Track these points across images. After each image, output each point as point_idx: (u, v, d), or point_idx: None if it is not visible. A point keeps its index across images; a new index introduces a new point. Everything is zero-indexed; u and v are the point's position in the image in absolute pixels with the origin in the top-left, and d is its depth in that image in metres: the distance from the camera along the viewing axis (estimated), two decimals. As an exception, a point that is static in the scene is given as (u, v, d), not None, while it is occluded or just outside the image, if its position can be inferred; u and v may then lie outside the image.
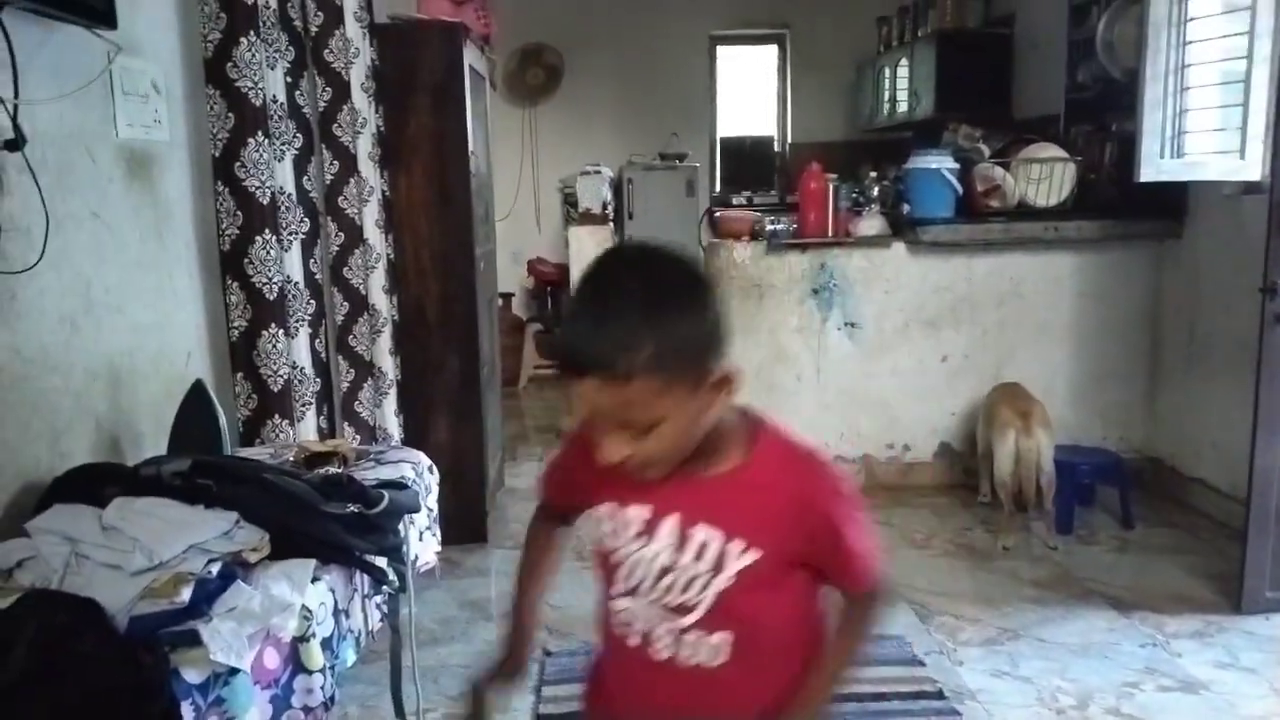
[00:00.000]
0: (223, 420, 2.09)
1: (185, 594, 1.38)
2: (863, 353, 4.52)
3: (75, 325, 2.00)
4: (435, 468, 2.44)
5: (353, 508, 1.61)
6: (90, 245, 2.08)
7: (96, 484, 1.63)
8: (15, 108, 1.75)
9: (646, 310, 0.99)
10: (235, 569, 1.47)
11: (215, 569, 1.44)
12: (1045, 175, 4.39)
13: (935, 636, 3.14)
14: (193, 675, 1.34)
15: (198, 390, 2.08)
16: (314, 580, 1.60)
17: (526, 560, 1.35)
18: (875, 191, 4.70)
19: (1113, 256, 4.43)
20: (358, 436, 3.39)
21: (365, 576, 1.73)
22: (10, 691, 1.12)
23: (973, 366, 4.54)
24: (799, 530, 1.11)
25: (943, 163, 4.39)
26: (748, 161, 7.75)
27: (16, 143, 1.74)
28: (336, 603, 1.67)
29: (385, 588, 1.77)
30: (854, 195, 4.63)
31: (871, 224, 4.49)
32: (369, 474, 2.24)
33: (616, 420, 1.02)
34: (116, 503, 1.52)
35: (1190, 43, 3.76)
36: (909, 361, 4.55)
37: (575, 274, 6.55)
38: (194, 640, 1.36)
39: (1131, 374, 4.54)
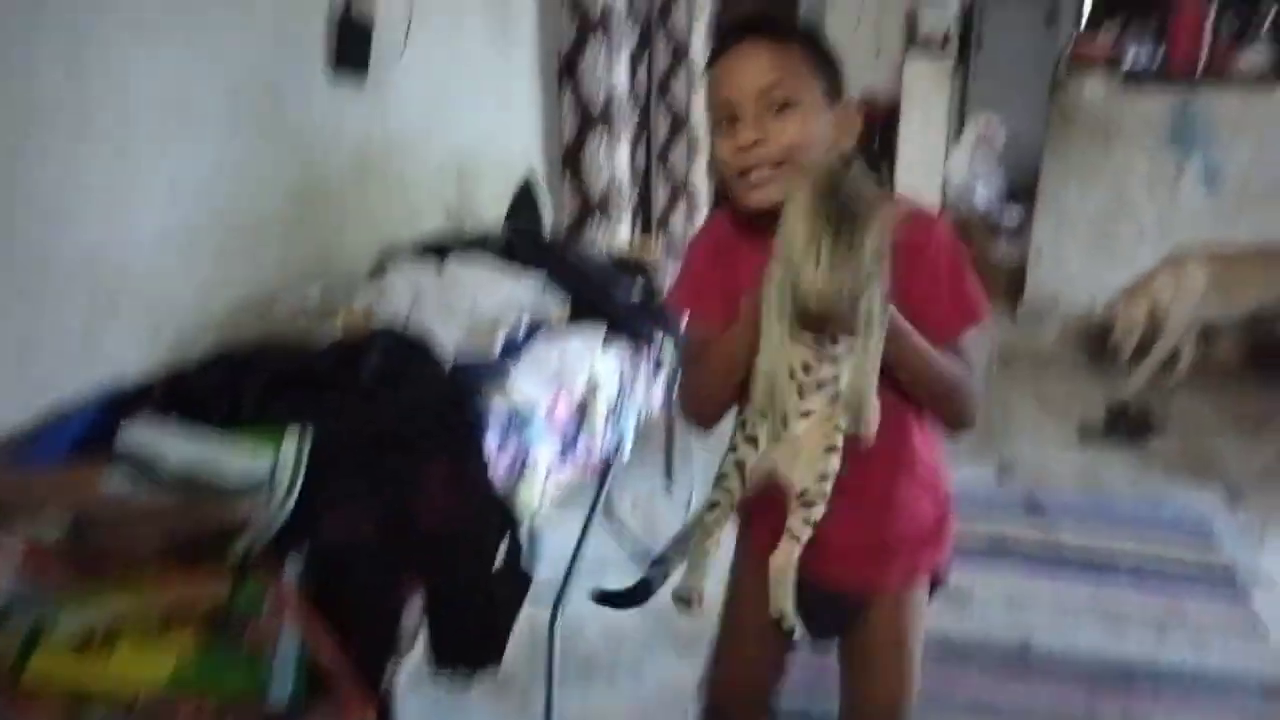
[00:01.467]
0: (548, 213, 2.36)
1: (499, 341, 1.65)
2: (1220, 211, 4.06)
3: (431, 122, 2.32)
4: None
5: (639, 295, 1.81)
6: (447, 45, 2.37)
7: (441, 249, 1.96)
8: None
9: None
10: (540, 325, 1.72)
11: (524, 322, 1.71)
12: None
13: (1242, 520, 2.90)
14: (499, 407, 1.62)
15: (527, 185, 2.36)
16: (604, 349, 1.84)
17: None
18: (1268, 22, 4.06)
19: None
20: (669, 248, 3.62)
21: (650, 357, 1.95)
22: (365, 390, 1.44)
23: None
24: (920, 274, 1.18)
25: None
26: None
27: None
28: (623, 373, 1.90)
29: (665, 368, 1.98)
30: (1240, 24, 4.03)
31: (1254, 59, 3.92)
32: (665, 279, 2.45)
33: (763, 91, 1.16)
34: (452, 260, 1.82)
35: None
36: (1277, 227, 4.02)
37: (907, 113, 6.27)
38: (503, 379, 1.63)
39: None
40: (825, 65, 1.22)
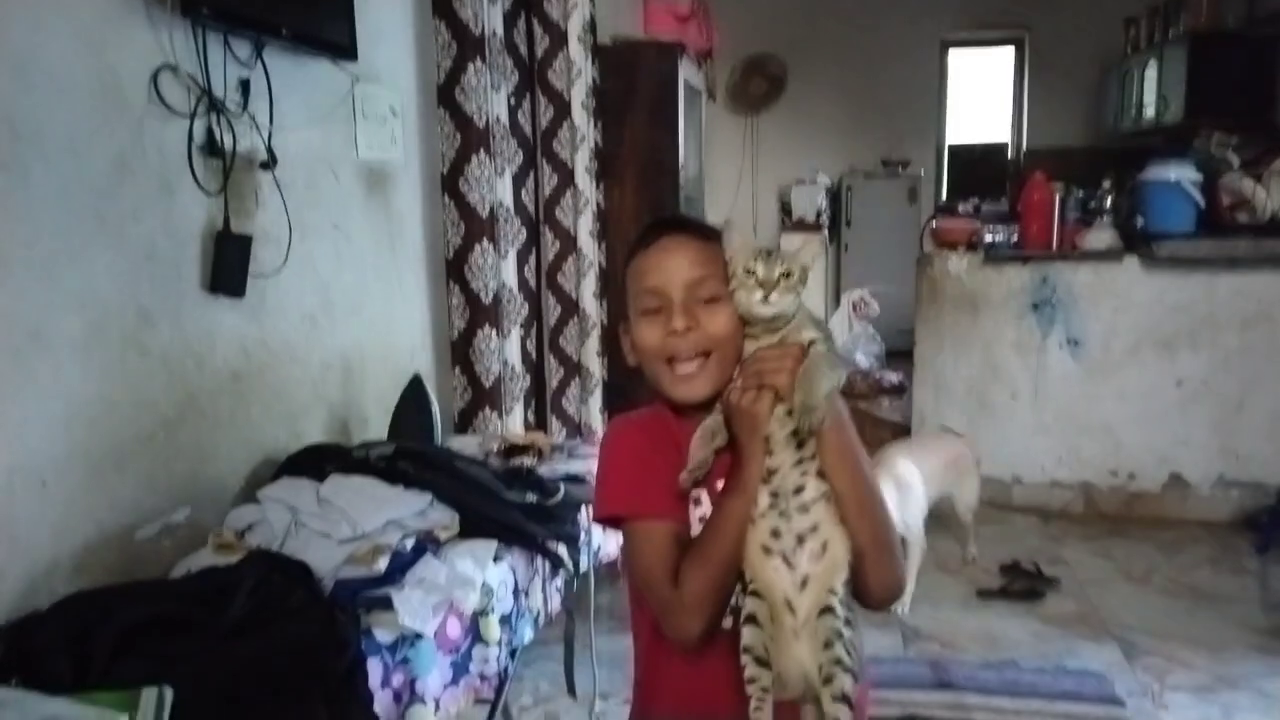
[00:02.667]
0: (436, 411, 2.31)
1: (382, 563, 1.57)
2: (1086, 373, 4.28)
3: (314, 322, 2.28)
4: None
5: (531, 496, 1.76)
6: (330, 253, 2.37)
7: (320, 462, 1.88)
8: (270, 133, 2.03)
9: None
10: (426, 544, 1.65)
11: (409, 543, 1.63)
12: (1303, 186, 3.99)
13: (1141, 678, 2.94)
14: (384, 635, 1.53)
15: (415, 384, 2.32)
16: (496, 560, 1.77)
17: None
18: (1107, 202, 4.44)
19: (1378, 276, 3.96)
20: (564, 430, 3.60)
21: (545, 562, 1.88)
22: (231, 631, 1.34)
23: (1211, 393, 4.19)
24: None
25: (1183, 174, 4.08)
26: (978, 169, 7.47)
27: (269, 163, 2.02)
28: (517, 583, 1.83)
29: (562, 571, 1.92)
30: (1083, 206, 4.40)
31: (1101, 236, 4.25)
32: (559, 466, 2.41)
33: (693, 284, 1.21)
34: (332, 479, 1.75)
35: None
36: (1139, 385, 4.26)
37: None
38: (387, 605, 1.55)
39: (1398, 405, 4.05)
40: None
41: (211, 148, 1.89)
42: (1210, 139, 4.90)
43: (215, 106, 1.89)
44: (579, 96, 3.47)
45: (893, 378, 6.44)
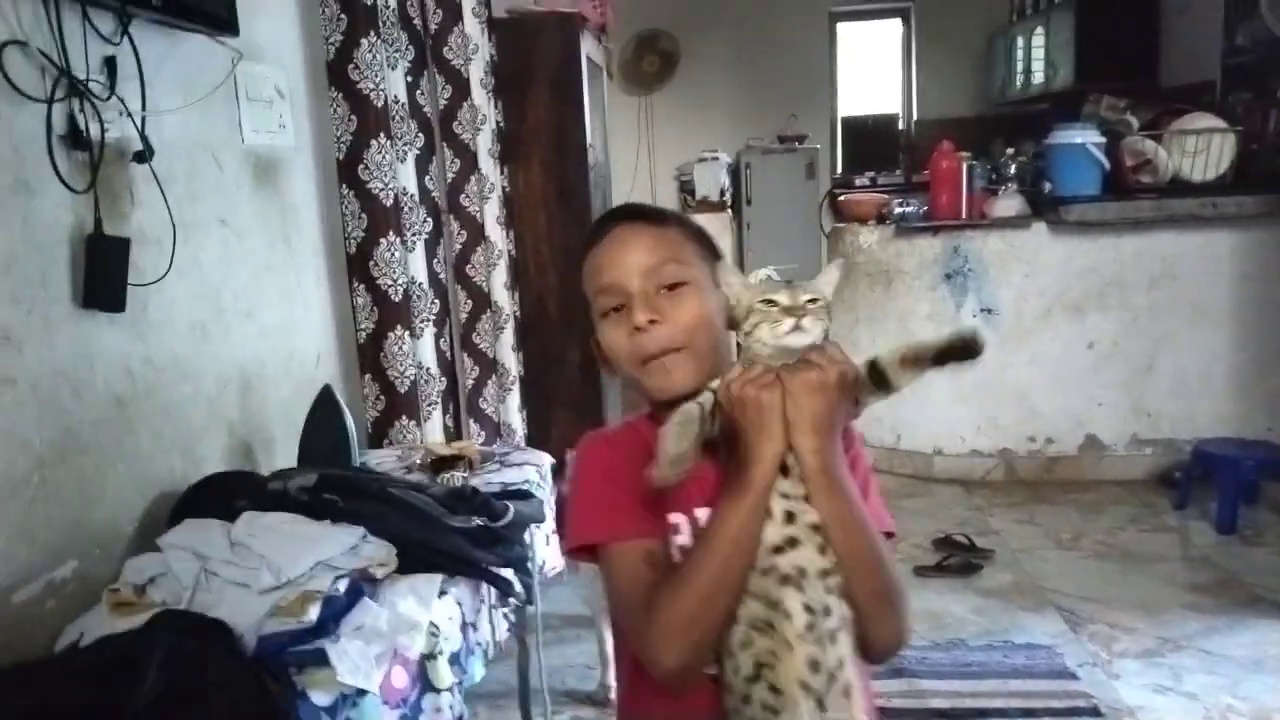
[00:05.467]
0: (350, 425, 2.08)
1: (313, 612, 1.35)
2: (1000, 340, 4.28)
3: (206, 332, 2.01)
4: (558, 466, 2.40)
5: (478, 521, 1.56)
6: (219, 252, 2.10)
7: (227, 495, 1.63)
8: (143, 119, 1.76)
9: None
10: (362, 585, 1.43)
11: (343, 586, 1.41)
12: (1202, 147, 4.05)
13: (1088, 647, 2.93)
14: (321, 697, 1.31)
15: (326, 396, 2.08)
16: (441, 594, 1.56)
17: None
18: (1012, 169, 4.45)
19: (1277, 233, 4.06)
20: (483, 433, 3.38)
21: (491, 589, 1.69)
22: (141, 716, 1.11)
23: (1122, 354, 4.25)
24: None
25: (1088, 137, 4.10)
26: (871, 141, 7.48)
27: (145, 155, 1.75)
28: (464, 616, 1.63)
29: (512, 599, 1.72)
30: (989, 174, 4.39)
31: (1009, 204, 4.25)
32: (493, 477, 2.21)
33: (650, 270, 1.11)
34: (245, 519, 1.51)
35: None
36: (1051, 349, 4.29)
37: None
38: (322, 660, 1.33)
39: (1300, 360, 4.18)
40: (705, 245, 1.19)
41: (76, 138, 1.61)
42: (1100, 103, 4.98)
43: (77, 90, 1.61)
44: (478, 74, 3.24)
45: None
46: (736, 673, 1.00)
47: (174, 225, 1.84)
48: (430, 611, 1.49)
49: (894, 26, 7.59)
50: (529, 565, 1.72)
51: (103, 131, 1.64)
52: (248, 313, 2.20)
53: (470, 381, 3.41)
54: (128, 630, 1.28)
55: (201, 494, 1.74)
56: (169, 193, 1.85)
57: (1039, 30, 6.13)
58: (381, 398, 2.70)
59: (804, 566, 1.00)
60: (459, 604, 1.60)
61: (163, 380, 1.86)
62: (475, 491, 1.59)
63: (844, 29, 7.59)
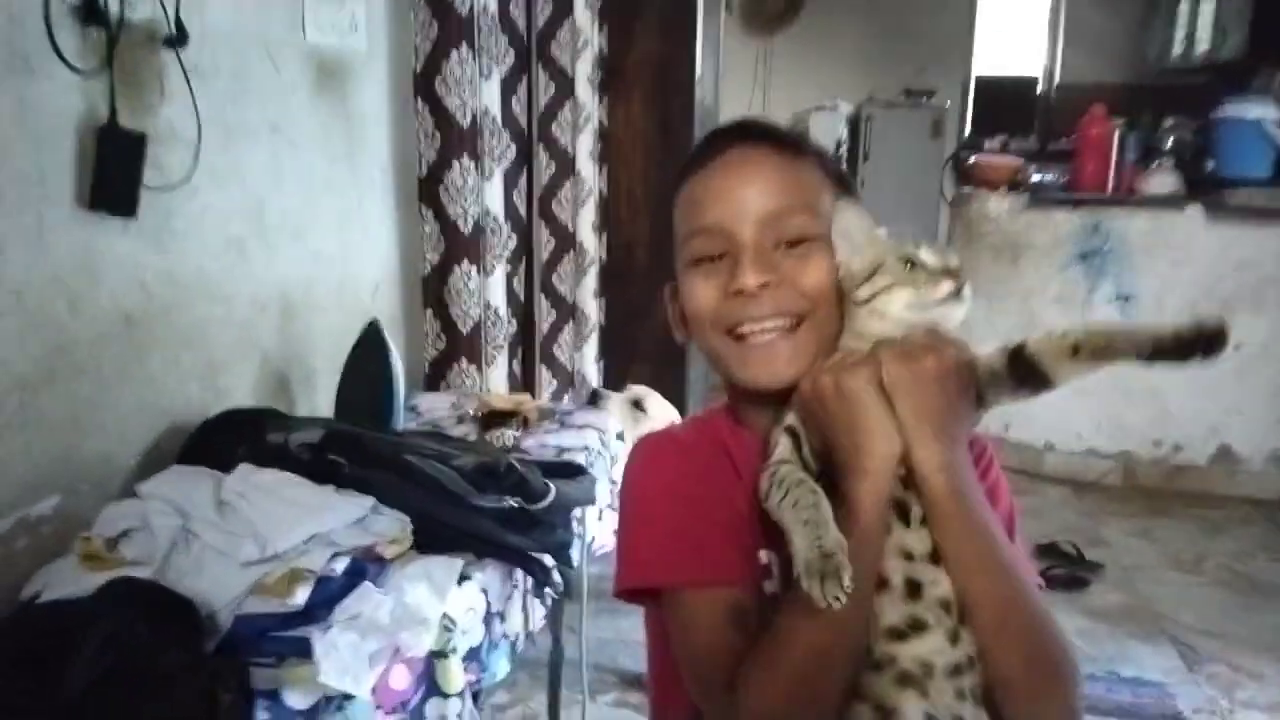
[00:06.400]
0: (397, 367, 1.85)
1: (300, 595, 1.13)
2: (1134, 332, 3.84)
3: (243, 250, 1.80)
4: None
5: (511, 502, 1.31)
6: (267, 162, 1.87)
7: (233, 439, 1.42)
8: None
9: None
10: (365, 566, 1.20)
11: (340, 565, 1.18)
12: (1403, 132, 3.52)
13: (1206, 690, 2.56)
14: (298, 699, 1.09)
15: (372, 332, 1.85)
16: (462, 579, 1.32)
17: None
18: (1169, 143, 3.96)
19: None
20: (555, 382, 3.16)
21: (527, 576, 1.45)
22: (64, 711, 0.90)
23: (1270, 361, 3.77)
24: None
25: (1265, 112, 3.60)
26: (1005, 104, 6.90)
27: (177, 39, 1.52)
28: (490, 606, 1.39)
29: (549, 591, 1.48)
30: (1142, 147, 3.92)
31: (1164, 180, 3.78)
32: (549, 439, 1.97)
33: (771, 217, 0.84)
34: (239, 473, 1.28)
35: None
36: (1191, 347, 3.83)
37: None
38: (305, 652, 1.11)
39: None
40: (846, 192, 0.91)
41: (91, 10, 1.39)
42: (1274, 78, 4.40)
43: (95, -50, 1.38)
44: (584, -9, 2.95)
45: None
46: None
47: (199, 126, 1.60)
48: (445, 602, 1.25)
49: (1046, -20, 6.99)
50: (570, 555, 1.47)
51: (122, 4, 1.41)
52: (297, 232, 1.98)
53: (546, 327, 3.17)
54: (79, 597, 1.07)
55: (214, 430, 1.53)
56: (209, 88, 1.62)
57: (1212, -9, 5.49)
58: (442, 336, 2.48)
59: (930, 661, 0.76)
60: (484, 591, 1.36)
61: (185, 299, 1.65)
62: (511, 468, 1.34)
63: (988, -22, 7.03)
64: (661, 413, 2.34)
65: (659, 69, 3.35)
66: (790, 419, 0.82)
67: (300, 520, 1.19)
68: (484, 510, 1.28)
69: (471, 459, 1.31)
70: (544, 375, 3.19)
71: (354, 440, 1.35)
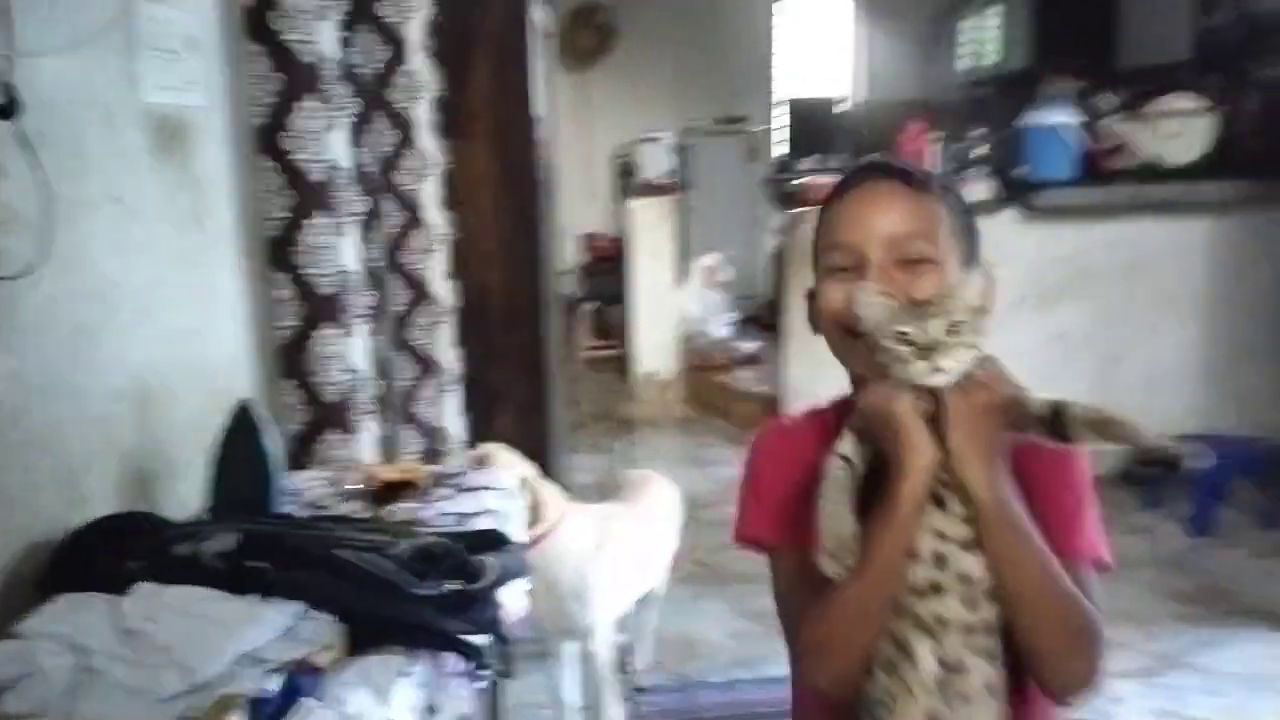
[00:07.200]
0: (274, 451, 1.70)
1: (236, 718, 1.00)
2: (967, 332, 4.07)
3: (93, 337, 1.61)
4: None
5: (449, 586, 1.22)
6: (112, 238, 1.69)
7: (118, 554, 1.25)
8: (8, 60, 1.35)
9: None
10: (302, 681, 1.08)
11: (275, 684, 1.06)
12: (1179, 131, 3.88)
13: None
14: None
15: (242, 414, 1.70)
16: (400, 676, 1.21)
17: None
18: (980, 152, 4.24)
19: (1255, 221, 3.94)
20: (422, 441, 3.02)
21: (466, 668, 1.35)
22: None
23: (1092, 346, 4.08)
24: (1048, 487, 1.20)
25: (1062, 118, 3.91)
26: (816, 123, 7.24)
27: (8, 109, 1.35)
28: (431, 700, 1.28)
29: (484, 673, 1.38)
30: (959, 157, 4.18)
31: (979, 188, 4.03)
32: (447, 507, 1.86)
33: (897, 240, 1.07)
34: (140, 594, 1.13)
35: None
36: (1018, 341, 4.06)
37: (635, 249, 6.14)
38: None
39: (1273, 353, 4.05)
40: (967, 226, 1.15)
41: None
42: (1055, 85, 4.79)
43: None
44: (416, 33, 2.85)
45: (748, 347, 6.18)
46: (859, 700, 1.02)
47: (40, 204, 1.43)
48: (389, 705, 1.14)
49: (843, 5, 7.37)
50: (502, 628, 1.38)
51: (-55, 76, 1.24)
52: (146, 310, 1.80)
53: (406, 383, 3.03)
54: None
55: (85, 545, 1.36)
56: (45, 161, 1.45)
57: (995, 9, 5.95)
58: (307, 407, 2.32)
59: (945, 617, 0.98)
60: (424, 687, 1.26)
61: (36, 399, 1.46)
62: (449, 551, 1.25)
63: (789, 6, 7.35)
64: (510, 466, 2.35)
65: (499, 109, 3.29)
66: (848, 445, 1.04)
67: (224, 639, 1.05)
68: (425, 599, 1.18)
69: (407, 547, 1.21)
70: (406, 436, 3.05)
71: (275, 541, 1.21)
